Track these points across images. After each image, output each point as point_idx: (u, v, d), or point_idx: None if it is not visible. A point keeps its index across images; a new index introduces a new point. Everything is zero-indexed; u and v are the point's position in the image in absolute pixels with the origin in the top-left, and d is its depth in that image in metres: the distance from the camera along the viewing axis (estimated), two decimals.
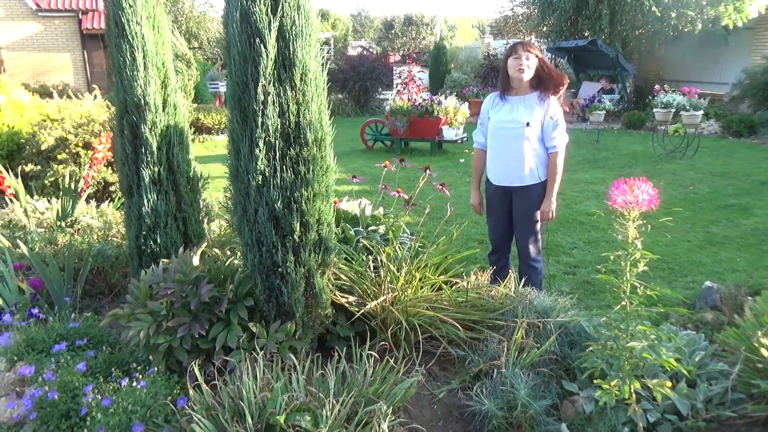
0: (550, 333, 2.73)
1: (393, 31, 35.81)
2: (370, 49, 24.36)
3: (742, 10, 12.85)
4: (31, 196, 5.42)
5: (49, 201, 4.85)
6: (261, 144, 2.31)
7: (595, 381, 2.17)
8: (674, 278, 4.20)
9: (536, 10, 18.16)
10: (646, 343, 2.00)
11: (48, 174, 5.90)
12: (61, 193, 4.27)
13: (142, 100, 2.96)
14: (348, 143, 11.60)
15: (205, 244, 2.92)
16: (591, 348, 2.19)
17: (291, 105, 2.30)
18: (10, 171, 6.30)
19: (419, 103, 9.89)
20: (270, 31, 2.20)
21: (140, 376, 2.30)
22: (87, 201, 4.97)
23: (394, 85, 17.03)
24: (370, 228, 3.46)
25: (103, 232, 3.84)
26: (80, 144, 6.04)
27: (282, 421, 1.95)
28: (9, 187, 4.52)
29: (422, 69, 16.89)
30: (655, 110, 9.06)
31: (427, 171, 3.34)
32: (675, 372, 2.32)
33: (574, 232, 5.35)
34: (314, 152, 2.37)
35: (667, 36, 13.58)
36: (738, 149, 9.67)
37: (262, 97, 2.27)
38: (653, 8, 13.45)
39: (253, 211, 2.41)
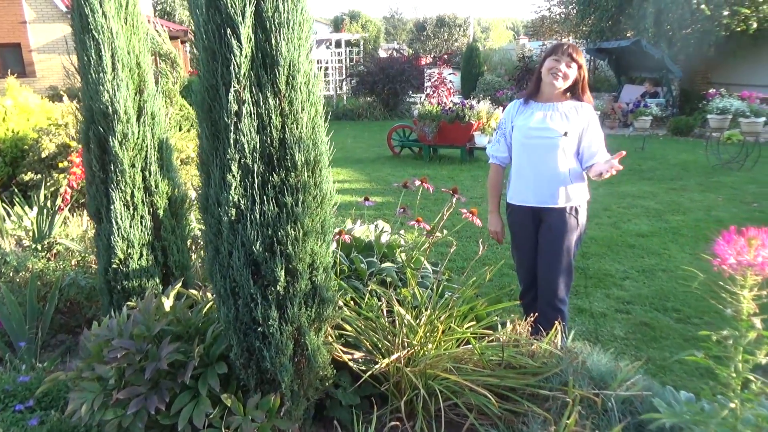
0: (609, 410, 2.12)
1: (425, 33, 35.20)
2: (401, 51, 23.80)
3: None
4: (30, 207, 5.03)
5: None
6: (234, 168, 1.77)
7: None
8: None
9: (575, 10, 17.35)
10: None
11: (48, 183, 5.50)
12: (35, 211, 3.82)
13: (110, 108, 2.46)
14: (374, 149, 11.07)
15: (179, 285, 2.39)
16: None
17: (273, 117, 1.75)
18: (14, 179, 5.95)
19: (449, 108, 9.27)
20: (244, 19, 1.66)
21: None
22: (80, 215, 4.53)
23: (425, 88, 16.42)
24: (385, 263, 2.88)
25: (82, 256, 3.36)
26: None
27: None
28: None
29: (453, 71, 16.24)
30: (709, 116, 8.25)
31: (455, 195, 2.75)
32: None
33: (624, 257, 4.68)
34: (304, 178, 1.82)
35: (717, 36, 12.65)
36: None
37: (236, 107, 1.73)
38: (702, 6, 12.54)
39: (226, 254, 1.87)
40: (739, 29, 12.56)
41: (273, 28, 1.69)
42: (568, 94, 2.78)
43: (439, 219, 2.69)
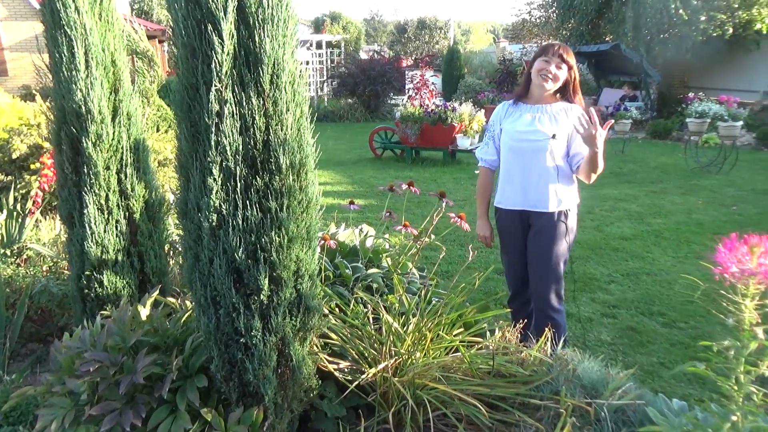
0: (602, 420, 2.07)
1: (406, 35, 35.23)
2: (382, 53, 23.77)
3: None
4: (0, 210, 4.85)
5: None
6: (216, 171, 1.68)
7: None
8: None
9: (555, 13, 17.49)
10: None
11: (19, 185, 5.32)
12: (5, 215, 3.68)
13: (84, 108, 2.35)
14: (356, 151, 10.99)
15: (157, 292, 2.29)
16: None
17: (257, 118, 1.67)
18: None
19: (432, 110, 9.24)
20: (226, 15, 1.57)
21: None
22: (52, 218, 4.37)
23: (406, 90, 16.40)
24: (370, 268, 2.81)
25: (54, 262, 3.23)
26: None
27: None
28: None
29: (435, 73, 16.24)
30: (688, 120, 8.33)
31: (443, 200, 2.69)
32: None
33: (609, 260, 4.67)
34: (289, 182, 1.74)
35: (694, 41, 12.84)
36: None
37: (217, 107, 1.64)
38: (680, 11, 12.72)
39: (206, 261, 1.78)
40: (715, 34, 12.77)
41: (257, 24, 1.61)
42: (558, 95, 2.74)
43: (427, 223, 2.63)
